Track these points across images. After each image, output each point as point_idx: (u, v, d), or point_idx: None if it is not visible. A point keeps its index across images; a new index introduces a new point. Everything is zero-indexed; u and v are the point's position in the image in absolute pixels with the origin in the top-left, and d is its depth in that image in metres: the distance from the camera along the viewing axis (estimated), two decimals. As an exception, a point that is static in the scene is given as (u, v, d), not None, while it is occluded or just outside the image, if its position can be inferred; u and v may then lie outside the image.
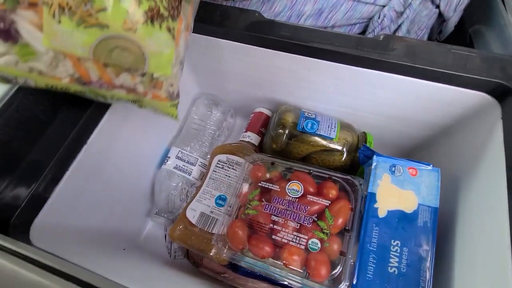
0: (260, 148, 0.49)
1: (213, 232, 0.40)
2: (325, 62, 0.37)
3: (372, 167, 0.36)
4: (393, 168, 0.36)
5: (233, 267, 0.41)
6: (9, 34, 0.23)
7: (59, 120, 0.34)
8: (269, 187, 0.37)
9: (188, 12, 0.30)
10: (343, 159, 0.42)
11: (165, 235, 0.49)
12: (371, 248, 0.32)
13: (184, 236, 0.41)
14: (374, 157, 0.37)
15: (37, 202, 0.30)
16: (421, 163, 0.35)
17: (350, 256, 0.31)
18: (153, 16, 0.25)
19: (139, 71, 0.27)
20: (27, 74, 0.24)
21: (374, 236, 0.33)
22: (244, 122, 0.57)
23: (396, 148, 0.48)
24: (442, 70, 0.33)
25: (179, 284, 0.39)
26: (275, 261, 0.34)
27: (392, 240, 0.32)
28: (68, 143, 0.33)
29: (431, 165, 0.35)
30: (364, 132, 0.45)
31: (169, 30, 0.27)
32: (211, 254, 0.39)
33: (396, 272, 0.31)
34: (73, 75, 0.25)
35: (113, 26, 0.24)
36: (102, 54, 0.25)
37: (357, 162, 0.42)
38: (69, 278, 0.21)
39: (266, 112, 0.51)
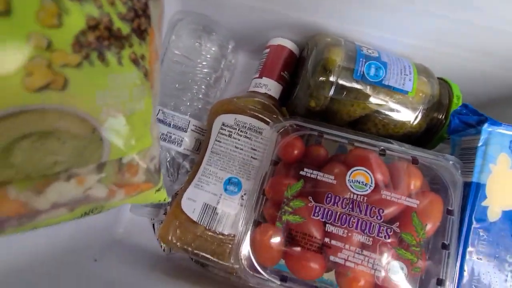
0: (281, 102, 0.33)
1: (226, 233, 0.28)
2: None
3: (479, 142, 0.23)
4: (516, 145, 0.23)
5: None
6: None
7: None
8: (319, 177, 0.23)
9: (158, 17, 0.17)
10: (416, 122, 0.28)
11: (153, 224, 0.36)
12: (474, 266, 0.22)
13: (182, 238, 0.29)
14: (486, 126, 0.23)
15: None
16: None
17: (448, 284, 0.21)
18: (100, 38, 0.12)
19: (91, 165, 0.14)
20: None
21: (480, 249, 0.22)
22: (253, 62, 0.39)
23: (483, 102, 0.34)
24: None
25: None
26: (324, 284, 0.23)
27: (509, 256, 0.22)
28: None
29: None
30: (443, 80, 0.30)
31: (135, 62, 0.14)
32: (228, 264, 0.27)
33: (511, 301, 0.21)
34: None
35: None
36: None
37: (436, 127, 0.28)
38: None
39: (289, 45, 0.33)
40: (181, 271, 0.32)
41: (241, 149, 0.30)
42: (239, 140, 0.30)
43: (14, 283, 0.20)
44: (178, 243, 0.28)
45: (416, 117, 0.27)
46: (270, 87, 0.32)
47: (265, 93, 0.32)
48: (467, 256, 0.22)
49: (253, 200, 0.25)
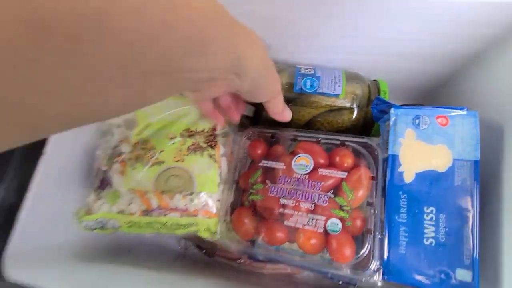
0: (254, 120, 0.43)
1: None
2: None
3: (390, 123, 0.30)
4: (417, 121, 0.29)
5: (248, 252, 0.38)
6: (105, 184, 0.32)
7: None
8: (272, 165, 0.31)
9: (228, 143, 0.35)
10: (354, 117, 0.35)
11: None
12: (400, 220, 0.27)
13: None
14: (392, 111, 0.30)
15: (6, 218, 0.26)
16: (451, 108, 0.29)
17: (377, 233, 0.27)
18: (195, 149, 0.32)
19: (189, 191, 0.31)
20: (115, 215, 0.30)
21: (402, 206, 0.28)
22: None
23: (415, 93, 0.41)
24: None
25: (190, 279, 0.37)
26: (291, 245, 0.30)
27: (425, 207, 0.27)
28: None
29: (465, 109, 0.29)
30: (375, 80, 0.37)
31: (210, 156, 0.32)
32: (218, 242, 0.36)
33: (433, 243, 0.26)
34: (141, 207, 0.31)
35: (167, 161, 0.32)
36: (160, 184, 0.31)
37: (371, 119, 0.35)
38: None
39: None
40: (194, 262, 0.41)
41: (226, 157, 0.39)
42: (224, 150, 0.39)
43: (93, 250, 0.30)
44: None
45: (352, 112, 0.35)
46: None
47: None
48: (395, 215, 0.27)
49: (231, 191, 0.33)
